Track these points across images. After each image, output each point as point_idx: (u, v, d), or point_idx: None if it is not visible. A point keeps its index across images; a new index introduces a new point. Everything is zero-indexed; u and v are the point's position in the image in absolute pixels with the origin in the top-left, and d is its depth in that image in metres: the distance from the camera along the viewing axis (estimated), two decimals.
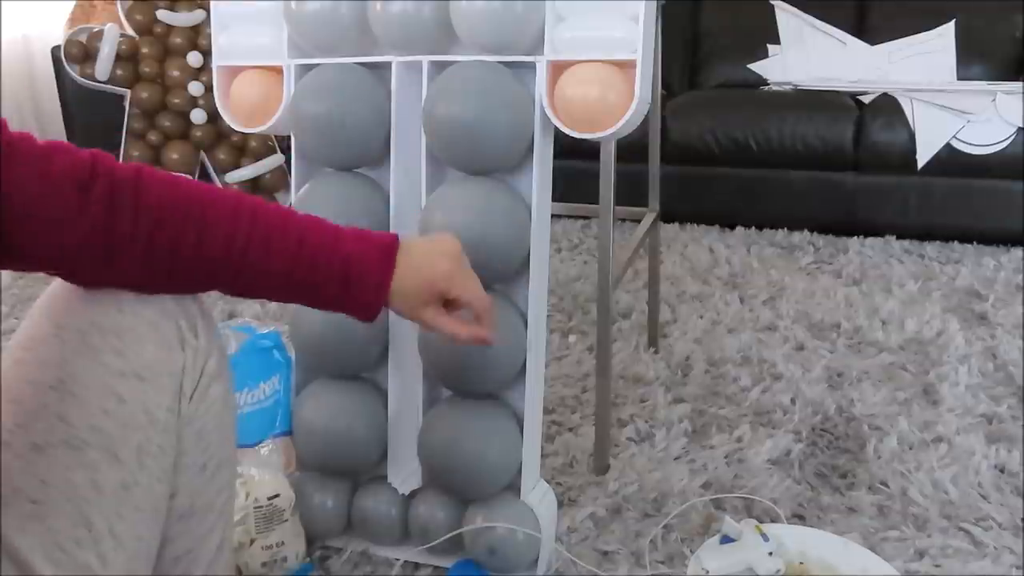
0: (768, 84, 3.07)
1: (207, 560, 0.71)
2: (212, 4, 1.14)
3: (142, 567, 0.64)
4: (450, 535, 1.07)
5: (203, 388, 0.69)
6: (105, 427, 0.61)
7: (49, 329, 0.64)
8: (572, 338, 1.86)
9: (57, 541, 0.58)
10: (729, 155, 2.71)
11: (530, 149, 1.02)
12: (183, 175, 0.65)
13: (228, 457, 0.73)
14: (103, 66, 2.69)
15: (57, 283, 0.67)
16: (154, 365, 0.65)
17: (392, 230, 1.08)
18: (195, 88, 2.77)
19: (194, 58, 2.76)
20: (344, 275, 0.71)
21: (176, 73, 2.76)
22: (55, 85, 2.84)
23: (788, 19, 3.14)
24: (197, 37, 2.77)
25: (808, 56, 3.08)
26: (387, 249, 0.74)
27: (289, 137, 1.12)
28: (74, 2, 2.94)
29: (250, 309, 2.06)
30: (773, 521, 1.17)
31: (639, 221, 1.64)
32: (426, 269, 0.76)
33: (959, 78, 2.91)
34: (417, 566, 1.13)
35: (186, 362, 0.67)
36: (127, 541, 0.61)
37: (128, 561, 0.61)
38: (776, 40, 3.13)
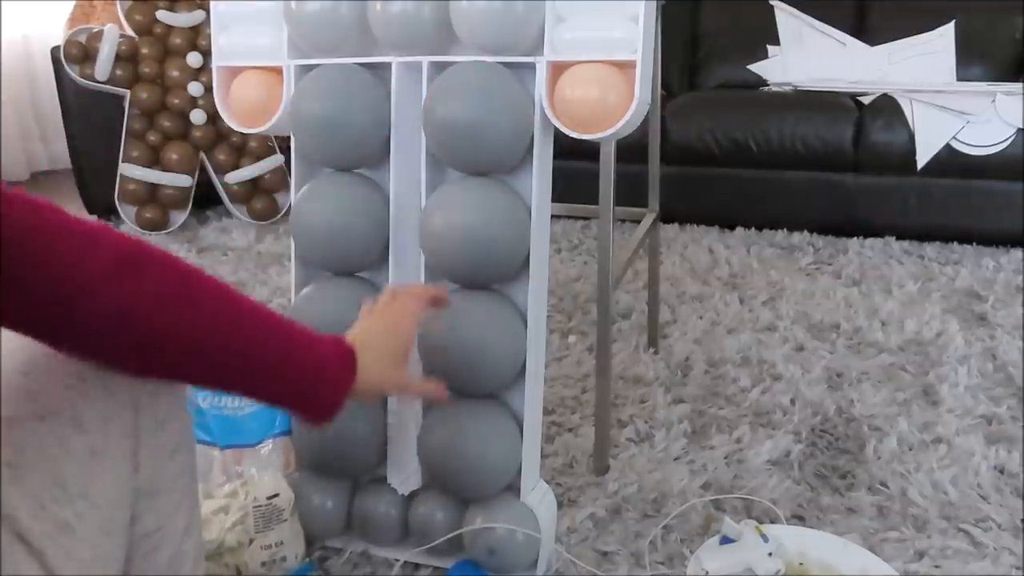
0: (768, 85, 3.07)
1: (176, 540, 0.74)
2: (212, 4, 1.14)
3: (116, 530, 0.67)
4: (450, 536, 1.07)
5: None
6: (68, 397, 0.65)
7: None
8: (572, 338, 1.86)
9: (37, 498, 0.61)
10: (729, 156, 2.71)
11: (530, 149, 1.02)
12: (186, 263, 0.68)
13: (185, 441, 0.76)
14: (103, 66, 2.69)
15: None
16: None
17: (392, 230, 1.08)
18: (195, 88, 2.77)
19: (194, 58, 2.76)
20: (313, 387, 0.76)
21: (176, 73, 2.76)
22: (55, 85, 2.84)
23: (788, 20, 3.14)
24: (197, 37, 2.77)
25: (808, 57, 3.08)
26: (346, 359, 0.79)
27: (289, 137, 1.12)
28: (74, 2, 2.94)
29: None
30: (773, 522, 1.17)
31: (639, 222, 1.64)
32: (385, 381, 0.84)
33: (959, 79, 2.91)
34: (417, 566, 1.13)
35: None
36: (100, 503, 0.65)
37: (102, 522, 0.65)
38: (776, 41, 3.13)
